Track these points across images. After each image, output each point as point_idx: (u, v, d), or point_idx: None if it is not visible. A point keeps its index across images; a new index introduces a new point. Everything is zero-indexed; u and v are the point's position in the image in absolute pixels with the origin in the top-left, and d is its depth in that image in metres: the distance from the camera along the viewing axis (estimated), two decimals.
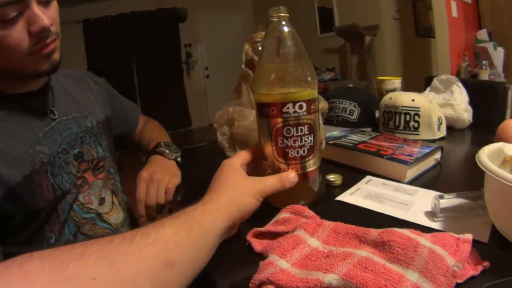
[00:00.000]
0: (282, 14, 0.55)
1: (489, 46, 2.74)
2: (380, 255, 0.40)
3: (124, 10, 5.65)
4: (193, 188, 0.77)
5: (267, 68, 0.56)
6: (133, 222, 0.85)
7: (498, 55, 2.69)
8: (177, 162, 0.85)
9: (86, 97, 0.84)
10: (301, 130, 0.54)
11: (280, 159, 0.56)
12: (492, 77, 2.70)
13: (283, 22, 0.55)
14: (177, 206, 0.74)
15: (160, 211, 0.75)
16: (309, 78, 0.55)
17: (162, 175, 0.77)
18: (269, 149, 0.56)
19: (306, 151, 0.55)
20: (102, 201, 0.76)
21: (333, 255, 0.41)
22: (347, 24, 3.93)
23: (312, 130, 0.55)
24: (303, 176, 0.57)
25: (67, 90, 0.79)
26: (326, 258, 0.41)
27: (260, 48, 0.77)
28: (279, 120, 0.53)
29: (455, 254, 0.39)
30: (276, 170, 0.56)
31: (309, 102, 0.54)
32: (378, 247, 0.41)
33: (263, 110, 0.55)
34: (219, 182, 0.52)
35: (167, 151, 0.85)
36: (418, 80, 2.07)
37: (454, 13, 2.96)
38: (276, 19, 0.55)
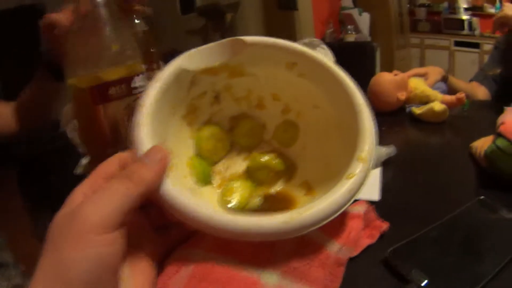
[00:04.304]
0: None
1: (354, 12, 3.00)
2: (223, 260, 0.30)
3: None
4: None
5: (77, 46, 0.45)
6: None
7: (363, 20, 2.98)
8: None
9: None
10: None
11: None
12: (359, 40, 2.99)
13: None
14: None
15: None
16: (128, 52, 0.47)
17: None
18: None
19: None
20: None
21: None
22: (207, 3, 3.80)
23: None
24: None
25: None
26: None
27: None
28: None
29: (339, 237, 0.33)
30: None
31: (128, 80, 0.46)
32: (218, 249, 0.30)
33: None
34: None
35: None
36: None
37: None
38: None
